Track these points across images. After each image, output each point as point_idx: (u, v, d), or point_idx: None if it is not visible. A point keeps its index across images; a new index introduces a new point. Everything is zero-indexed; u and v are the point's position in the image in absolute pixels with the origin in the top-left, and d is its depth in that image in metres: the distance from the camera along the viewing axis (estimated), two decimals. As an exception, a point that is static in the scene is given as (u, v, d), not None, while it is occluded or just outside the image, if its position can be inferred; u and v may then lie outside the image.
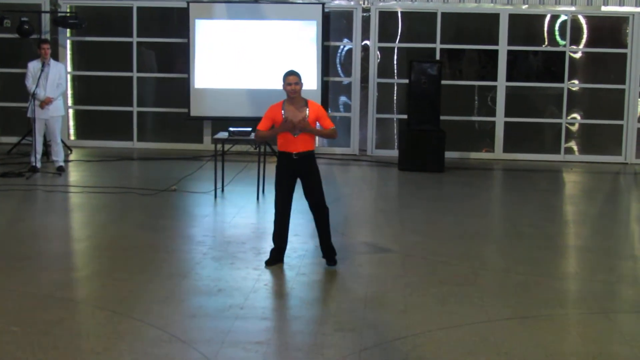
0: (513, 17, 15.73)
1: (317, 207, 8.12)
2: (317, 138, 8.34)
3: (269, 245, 8.75)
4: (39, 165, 13.05)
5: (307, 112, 7.97)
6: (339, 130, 12.45)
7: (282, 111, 7.96)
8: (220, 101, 15.38)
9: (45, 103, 12.92)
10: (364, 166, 14.92)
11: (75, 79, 16.47)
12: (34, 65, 13.09)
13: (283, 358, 5.86)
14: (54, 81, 13.09)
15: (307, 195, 8.12)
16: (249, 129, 11.67)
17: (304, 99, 8.08)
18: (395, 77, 16.02)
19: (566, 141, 15.99)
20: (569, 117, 15.94)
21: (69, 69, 16.08)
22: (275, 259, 8.17)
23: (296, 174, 8.06)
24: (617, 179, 14.56)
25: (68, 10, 15.90)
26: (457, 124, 15.85)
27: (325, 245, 8.20)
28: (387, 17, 15.90)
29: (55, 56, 15.00)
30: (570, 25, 15.69)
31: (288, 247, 8.51)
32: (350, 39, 15.90)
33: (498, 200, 12.79)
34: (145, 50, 16.32)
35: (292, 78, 7.94)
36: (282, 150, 8.03)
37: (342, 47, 15.97)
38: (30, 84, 13.02)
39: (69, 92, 16.16)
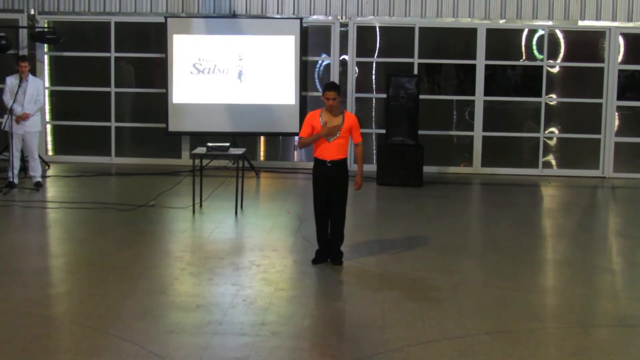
0: (491, 32, 15.80)
1: (337, 214, 8.70)
2: (348, 147, 8.84)
3: (247, 260, 8.82)
4: (16, 180, 12.93)
5: (343, 120, 8.50)
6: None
7: (320, 118, 8.47)
8: (199, 116, 15.34)
9: (22, 119, 12.85)
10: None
11: (53, 94, 16.39)
12: (11, 81, 13.01)
13: (261, 374, 5.84)
14: (32, 97, 13.01)
15: (332, 201, 8.63)
16: (227, 144, 11.67)
17: (340, 107, 8.60)
18: (374, 91, 16.05)
19: (544, 155, 16.06)
20: (546, 132, 16.02)
21: (47, 84, 16.02)
22: (319, 259, 8.74)
23: (330, 179, 8.52)
24: (595, 193, 14.63)
25: (46, 26, 15.84)
26: (436, 138, 15.89)
27: (333, 248, 8.74)
28: (365, 32, 15.93)
29: (33, 71, 14.93)
30: (548, 39, 15.79)
31: (266, 262, 8.70)
32: (328, 53, 15.92)
33: (476, 214, 12.82)
34: (123, 65, 16.29)
35: (330, 94, 8.42)
36: (317, 156, 8.59)
37: (320, 62, 15.98)
38: (7, 99, 12.94)
39: (47, 107, 16.09)
